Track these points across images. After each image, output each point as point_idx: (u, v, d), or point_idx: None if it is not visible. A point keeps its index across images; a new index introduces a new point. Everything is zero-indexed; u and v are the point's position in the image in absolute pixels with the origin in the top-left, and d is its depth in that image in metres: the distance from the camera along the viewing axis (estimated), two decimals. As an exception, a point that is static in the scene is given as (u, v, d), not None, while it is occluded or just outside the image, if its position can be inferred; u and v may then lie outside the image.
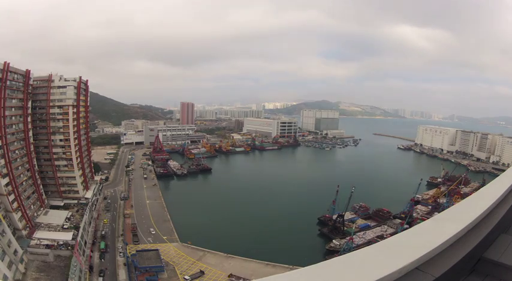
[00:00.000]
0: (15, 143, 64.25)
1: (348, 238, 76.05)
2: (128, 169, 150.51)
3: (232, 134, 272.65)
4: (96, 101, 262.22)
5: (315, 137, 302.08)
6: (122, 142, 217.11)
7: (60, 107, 78.53)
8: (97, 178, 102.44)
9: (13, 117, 64.52)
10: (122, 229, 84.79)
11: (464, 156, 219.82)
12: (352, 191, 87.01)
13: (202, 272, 64.70)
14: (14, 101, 64.98)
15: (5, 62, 59.97)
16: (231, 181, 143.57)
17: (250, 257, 70.38)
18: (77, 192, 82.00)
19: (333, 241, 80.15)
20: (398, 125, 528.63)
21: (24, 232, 59.50)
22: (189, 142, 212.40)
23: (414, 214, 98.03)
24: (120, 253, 71.30)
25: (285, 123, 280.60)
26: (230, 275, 63.57)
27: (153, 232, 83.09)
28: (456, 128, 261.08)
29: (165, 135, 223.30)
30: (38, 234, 61.40)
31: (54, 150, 78.69)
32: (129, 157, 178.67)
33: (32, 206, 66.45)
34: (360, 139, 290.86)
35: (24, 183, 65.48)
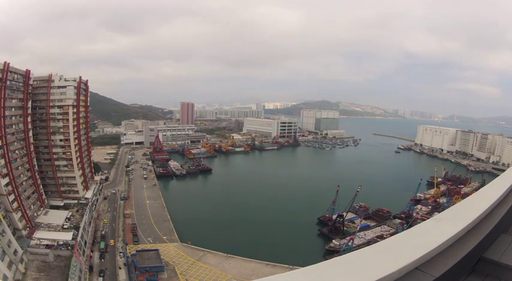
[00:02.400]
0: (15, 143, 64.23)
1: (348, 237, 76.04)
2: (128, 169, 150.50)
3: (232, 134, 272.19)
4: (96, 101, 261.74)
5: (315, 137, 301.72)
6: (121, 142, 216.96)
7: (60, 107, 78.49)
8: (97, 178, 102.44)
9: (13, 117, 64.49)
10: (122, 229, 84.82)
11: (464, 156, 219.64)
12: (358, 190, 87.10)
13: None
14: (14, 101, 64.94)
15: (5, 62, 59.94)
16: (231, 181, 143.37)
17: (250, 257, 70.30)
18: (77, 192, 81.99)
19: (333, 241, 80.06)
20: (398, 125, 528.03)
21: (24, 232, 59.49)
22: (189, 142, 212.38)
23: (414, 214, 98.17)
24: (120, 253, 71.22)
25: (285, 123, 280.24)
26: None
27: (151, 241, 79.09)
28: (456, 128, 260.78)
29: (165, 135, 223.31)
30: (38, 234, 61.36)
31: (54, 150, 78.65)
32: (129, 157, 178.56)
33: (32, 206, 66.44)
34: (359, 139, 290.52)
35: (24, 183, 65.46)
